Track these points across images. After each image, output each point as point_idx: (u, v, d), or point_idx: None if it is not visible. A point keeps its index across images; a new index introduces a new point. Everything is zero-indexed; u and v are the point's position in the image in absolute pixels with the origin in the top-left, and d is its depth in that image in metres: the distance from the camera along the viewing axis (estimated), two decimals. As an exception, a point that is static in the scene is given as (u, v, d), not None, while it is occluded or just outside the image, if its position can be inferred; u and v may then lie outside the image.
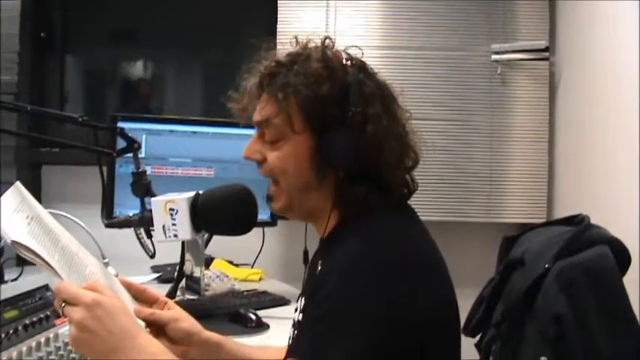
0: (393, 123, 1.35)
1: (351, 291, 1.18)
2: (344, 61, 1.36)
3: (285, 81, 1.33)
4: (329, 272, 1.24)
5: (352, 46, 1.44)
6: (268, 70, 1.38)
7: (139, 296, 1.48)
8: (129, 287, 1.46)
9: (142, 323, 1.37)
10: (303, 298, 1.37)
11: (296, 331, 1.35)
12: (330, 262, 1.28)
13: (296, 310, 1.42)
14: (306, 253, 1.47)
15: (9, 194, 1.33)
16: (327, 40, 1.41)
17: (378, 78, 1.40)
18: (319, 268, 1.37)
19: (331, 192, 1.34)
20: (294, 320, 1.41)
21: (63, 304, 1.20)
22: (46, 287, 1.76)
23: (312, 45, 1.40)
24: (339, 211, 1.35)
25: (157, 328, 1.42)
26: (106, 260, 2.15)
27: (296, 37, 1.44)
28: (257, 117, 1.39)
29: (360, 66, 1.38)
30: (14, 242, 1.21)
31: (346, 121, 1.29)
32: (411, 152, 1.39)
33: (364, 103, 1.31)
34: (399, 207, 1.37)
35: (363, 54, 1.42)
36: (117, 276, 1.49)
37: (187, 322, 1.46)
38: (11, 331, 1.53)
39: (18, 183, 1.37)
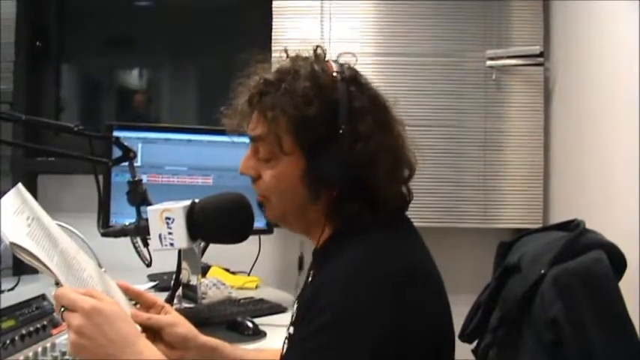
0: (386, 137, 1.33)
1: (346, 305, 1.18)
2: (334, 75, 1.33)
3: (273, 102, 1.32)
4: (322, 286, 1.24)
5: (346, 53, 1.42)
6: (257, 88, 1.36)
7: (137, 300, 1.49)
8: (126, 291, 1.47)
9: (139, 327, 1.37)
10: (295, 310, 1.37)
11: (287, 344, 1.35)
12: (323, 276, 1.28)
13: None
14: (301, 258, 1.47)
15: (10, 196, 1.33)
16: (319, 50, 1.40)
17: (370, 88, 1.38)
18: (310, 280, 1.37)
19: (325, 208, 1.33)
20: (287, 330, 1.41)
21: (62, 309, 1.21)
22: (42, 297, 1.77)
23: (301, 58, 1.39)
24: (333, 224, 1.35)
25: (154, 333, 1.43)
26: (102, 269, 2.14)
27: (286, 50, 1.42)
28: (250, 134, 1.39)
29: (352, 77, 1.36)
30: (12, 244, 1.21)
31: (336, 139, 1.28)
32: (406, 164, 1.38)
33: (354, 120, 1.29)
34: (393, 220, 1.35)
35: (357, 60, 1.41)
36: (116, 281, 1.49)
37: (184, 326, 1.47)
38: (8, 341, 1.53)
39: (20, 185, 1.37)
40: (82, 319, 1.19)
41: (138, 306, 1.49)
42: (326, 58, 1.40)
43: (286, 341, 1.36)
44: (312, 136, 1.30)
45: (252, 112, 1.38)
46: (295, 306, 1.38)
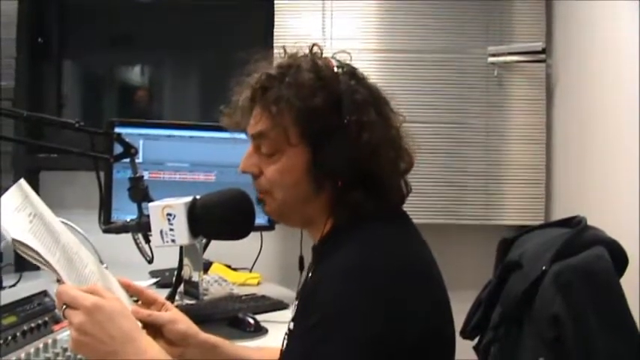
0: (387, 128, 1.35)
1: (345, 299, 1.18)
2: (335, 69, 1.35)
3: (278, 94, 1.31)
4: (321, 281, 1.24)
5: (340, 51, 1.43)
6: (259, 83, 1.36)
7: (138, 297, 1.49)
8: (127, 288, 1.47)
9: (140, 324, 1.37)
10: (295, 305, 1.38)
11: (287, 339, 1.35)
12: (322, 270, 1.28)
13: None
14: (301, 259, 1.47)
15: (12, 192, 1.33)
16: (315, 48, 1.41)
17: (369, 83, 1.39)
18: (310, 275, 1.37)
19: (328, 201, 1.33)
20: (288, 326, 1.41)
21: (64, 307, 1.21)
22: (44, 293, 1.77)
23: (300, 54, 1.39)
24: (334, 218, 1.35)
25: (154, 330, 1.43)
26: (104, 265, 2.14)
27: (284, 48, 1.43)
28: (252, 131, 1.39)
29: (351, 72, 1.37)
30: (15, 240, 1.21)
31: (342, 130, 1.28)
32: (406, 156, 1.39)
33: (358, 111, 1.30)
34: (392, 214, 1.36)
35: (351, 58, 1.41)
36: (117, 278, 1.49)
37: (184, 323, 1.47)
38: (10, 338, 1.53)
39: (22, 180, 1.37)
40: (83, 316, 1.19)
41: (139, 303, 1.49)
42: (323, 55, 1.41)
43: (286, 337, 1.36)
44: (318, 127, 1.30)
45: (253, 108, 1.38)
46: (296, 302, 1.39)
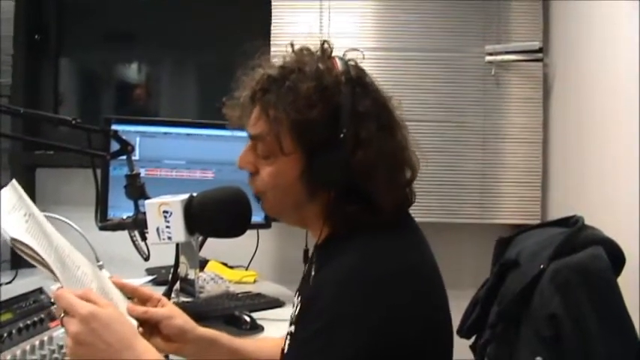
0: (388, 140, 1.31)
1: (347, 304, 1.18)
2: (339, 76, 1.30)
3: (275, 100, 1.29)
4: (323, 286, 1.24)
5: (352, 49, 1.39)
6: (260, 84, 1.34)
7: (132, 295, 1.48)
8: (122, 287, 1.46)
9: (135, 322, 1.37)
10: (296, 306, 1.37)
11: (289, 342, 1.34)
12: (322, 277, 1.28)
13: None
14: (306, 251, 1.47)
15: (6, 192, 1.33)
16: (326, 45, 1.37)
17: (375, 90, 1.36)
18: (312, 276, 1.36)
19: (323, 207, 1.32)
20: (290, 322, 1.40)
21: (62, 315, 1.21)
22: (40, 290, 1.76)
23: (307, 53, 1.36)
24: (331, 224, 1.33)
25: (151, 326, 1.43)
26: (100, 263, 2.13)
27: (292, 44, 1.40)
28: (250, 130, 1.37)
29: (357, 78, 1.33)
30: (13, 240, 1.21)
31: (338, 143, 1.25)
32: (408, 167, 1.37)
33: (357, 125, 1.27)
34: (394, 221, 1.31)
35: (364, 57, 1.38)
36: (110, 278, 1.48)
37: (181, 318, 1.47)
38: (5, 334, 1.53)
39: (14, 181, 1.37)
40: (79, 325, 1.18)
41: (134, 301, 1.49)
42: (332, 54, 1.37)
43: (288, 337, 1.35)
44: (313, 138, 1.28)
45: (253, 107, 1.37)
46: (297, 300, 1.38)
